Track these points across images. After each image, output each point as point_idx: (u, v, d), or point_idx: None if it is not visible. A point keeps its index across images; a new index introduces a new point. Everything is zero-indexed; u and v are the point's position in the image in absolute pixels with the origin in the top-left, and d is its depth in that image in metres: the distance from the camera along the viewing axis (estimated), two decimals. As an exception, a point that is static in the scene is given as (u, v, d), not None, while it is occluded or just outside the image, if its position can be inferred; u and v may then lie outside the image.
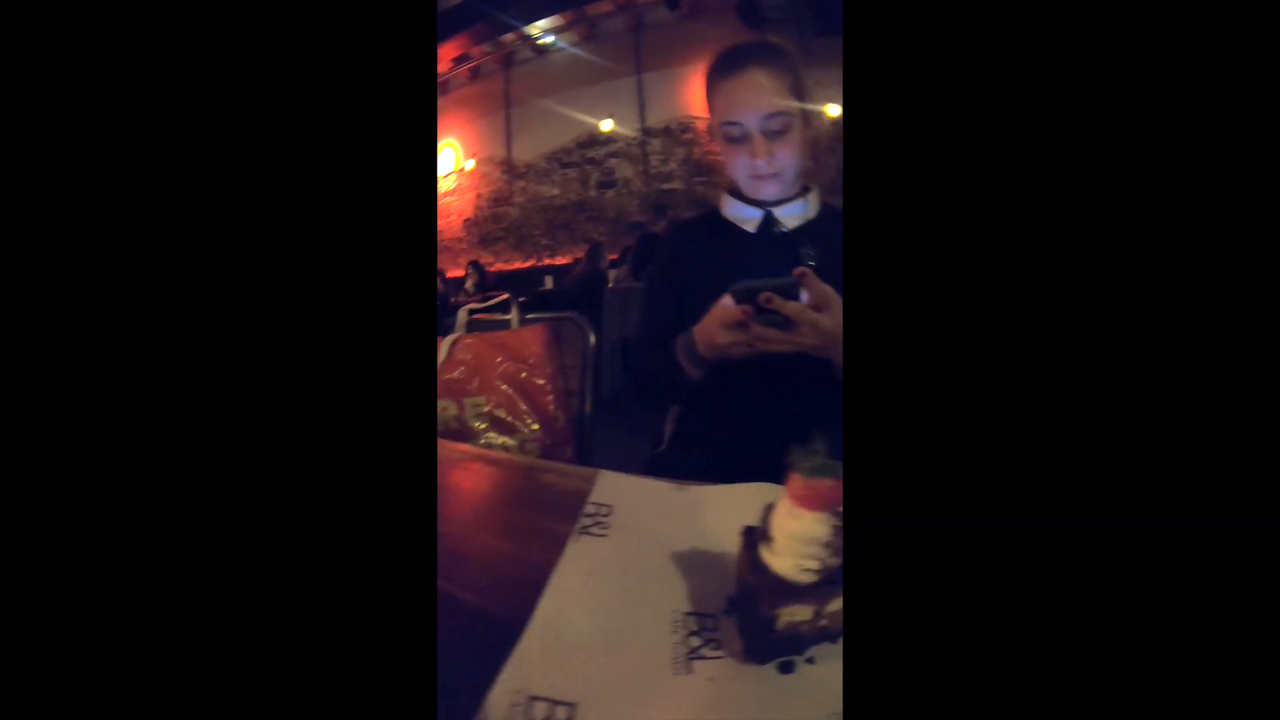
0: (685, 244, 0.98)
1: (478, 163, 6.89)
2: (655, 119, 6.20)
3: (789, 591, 0.38)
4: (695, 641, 0.38)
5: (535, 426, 0.92)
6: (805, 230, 0.92)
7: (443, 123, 6.77)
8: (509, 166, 6.78)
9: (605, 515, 0.48)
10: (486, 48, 6.33)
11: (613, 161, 6.40)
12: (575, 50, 6.36)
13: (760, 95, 0.84)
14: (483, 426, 0.91)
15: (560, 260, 6.29)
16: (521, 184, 6.72)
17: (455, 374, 0.93)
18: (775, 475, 0.54)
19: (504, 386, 0.95)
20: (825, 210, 0.96)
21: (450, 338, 0.97)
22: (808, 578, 0.38)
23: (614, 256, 5.17)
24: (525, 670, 0.34)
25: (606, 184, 6.44)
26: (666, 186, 6.11)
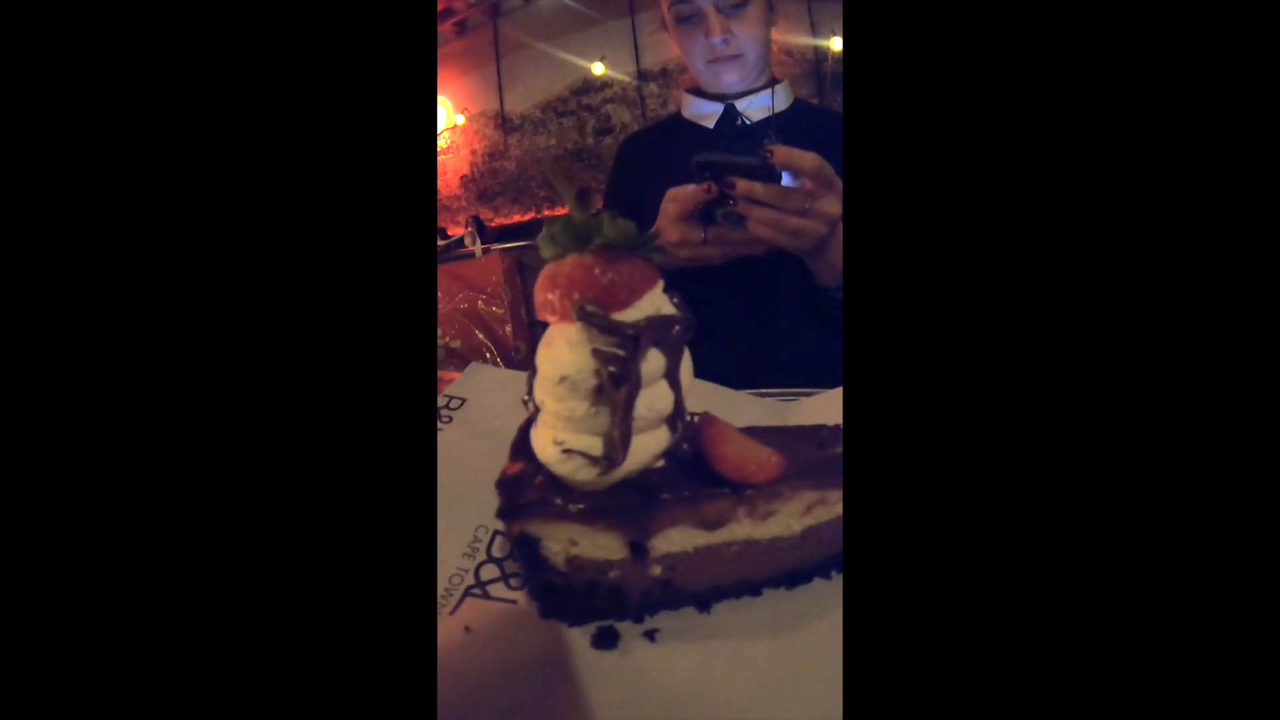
0: (639, 152, 0.93)
1: (470, 118, 6.76)
2: (651, 61, 6.02)
3: (558, 495, 0.23)
4: (492, 572, 0.27)
5: (491, 356, 0.90)
6: (771, 123, 0.86)
7: (432, 80, 6.64)
8: (503, 119, 6.65)
9: (454, 409, 0.41)
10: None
11: (609, 107, 6.25)
12: (565, -1, 6.14)
13: None
14: (439, 357, 0.89)
15: (560, 211, 6.19)
16: (516, 136, 6.59)
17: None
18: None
19: (462, 317, 0.92)
20: (798, 105, 0.90)
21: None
22: (575, 470, 0.21)
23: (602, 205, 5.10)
24: None
25: (604, 130, 6.30)
26: (665, 130, 5.98)
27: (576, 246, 0.24)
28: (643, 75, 6.01)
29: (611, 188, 0.95)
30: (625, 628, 0.26)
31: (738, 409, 0.44)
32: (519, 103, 6.58)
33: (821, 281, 0.71)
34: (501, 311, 0.77)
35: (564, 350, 0.23)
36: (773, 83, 0.88)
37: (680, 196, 0.62)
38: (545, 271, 0.24)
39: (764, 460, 0.27)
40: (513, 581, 0.28)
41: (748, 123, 0.86)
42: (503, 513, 0.25)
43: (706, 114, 0.88)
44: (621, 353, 0.23)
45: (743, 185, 0.56)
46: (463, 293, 0.78)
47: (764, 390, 0.51)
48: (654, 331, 0.24)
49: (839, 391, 0.46)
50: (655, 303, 0.24)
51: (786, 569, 0.30)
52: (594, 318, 0.23)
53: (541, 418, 0.25)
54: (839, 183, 0.60)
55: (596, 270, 0.23)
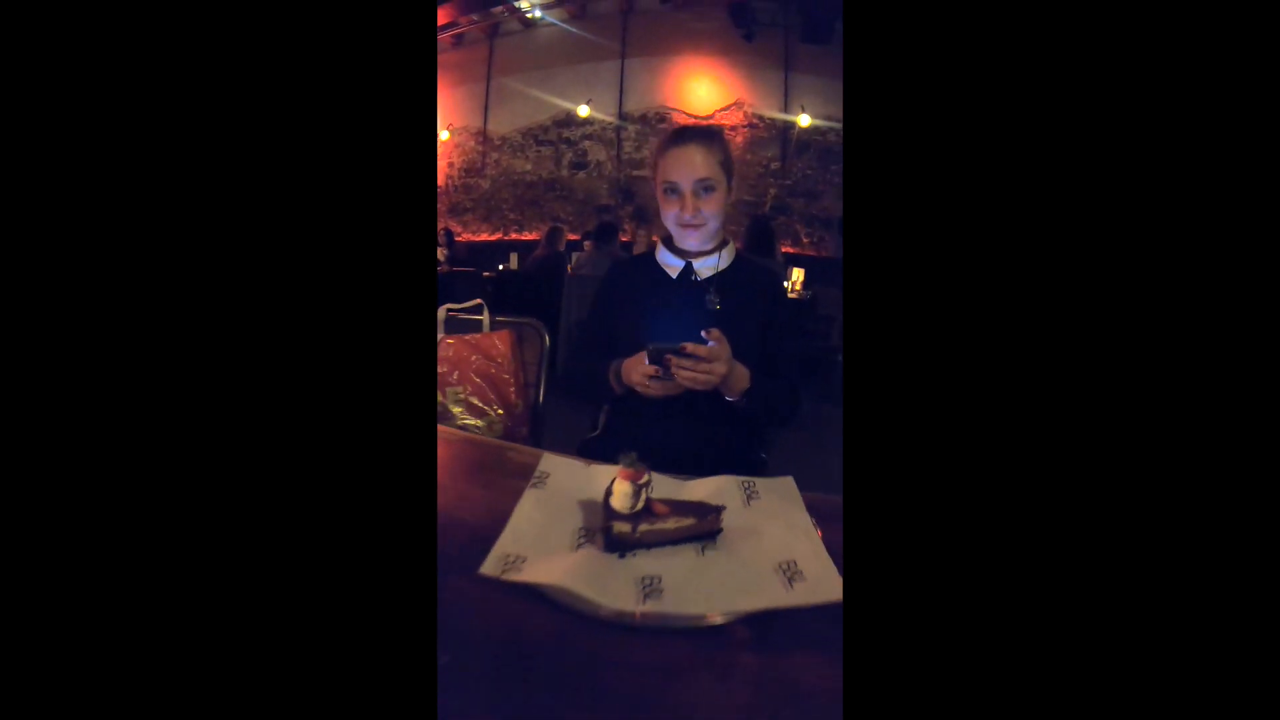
0: (622, 278, 1.24)
1: (452, 132, 6.89)
2: (633, 105, 6.31)
3: (616, 515, 0.63)
4: (582, 539, 0.64)
5: (500, 412, 1.18)
6: (713, 280, 1.20)
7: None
8: (484, 138, 6.81)
9: (545, 478, 0.75)
10: (474, 16, 6.32)
11: (587, 143, 6.50)
12: (563, 26, 6.39)
13: (695, 164, 1.11)
14: (459, 410, 1.16)
15: (527, 236, 6.41)
16: (495, 156, 6.76)
17: (442, 370, 1.18)
18: (677, 468, 0.79)
19: (477, 379, 1.20)
20: (737, 261, 1.22)
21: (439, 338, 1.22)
22: (623, 506, 0.64)
23: (574, 237, 5.36)
24: (504, 547, 0.59)
25: (579, 165, 6.54)
26: (637, 173, 6.27)
27: (627, 467, 0.63)
28: (624, 116, 6.31)
29: (601, 299, 1.24)
30: (623, 552, 0.62)
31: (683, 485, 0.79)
32: (502, 124, 6.74)
33: (728, 397, 1.06)
34: (509, 377, 1.00)
35: (625, 486, 0.62)
36: (722, 245, 1.20)
37: (640, 364, 1.01)
38: (622, 470, 0.64)
39: None
40: (590, 540, 0.64)
41: (698, 280, 1.18)
42: (605, 522, 0.63)
43: (672, 265, 1.20)
44: (640, 485, 0.63)
45: (674, 361, 0.94)
46: (479, 360, 1.01)
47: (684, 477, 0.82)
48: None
49: (704, 480, 0.79)
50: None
51: None
52: (632, 485, 0.61)
53: (615, 495, 0.62)
54: (727, 352, 0.97)
55: (627, 473, 0.63)
